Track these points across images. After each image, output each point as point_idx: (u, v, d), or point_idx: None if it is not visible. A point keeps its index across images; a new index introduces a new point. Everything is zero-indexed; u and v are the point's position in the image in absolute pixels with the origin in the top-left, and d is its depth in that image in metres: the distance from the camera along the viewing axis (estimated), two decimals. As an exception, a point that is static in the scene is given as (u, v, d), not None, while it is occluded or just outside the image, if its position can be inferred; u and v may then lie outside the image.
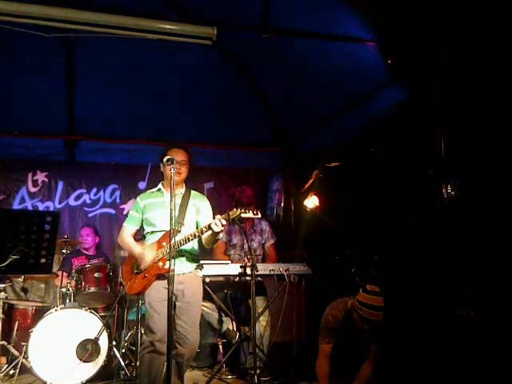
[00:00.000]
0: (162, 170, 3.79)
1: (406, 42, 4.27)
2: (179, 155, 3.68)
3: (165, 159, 3.41)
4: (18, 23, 3.91)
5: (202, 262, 4.45)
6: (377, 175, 4.88)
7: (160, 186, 3.86)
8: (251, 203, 5.06)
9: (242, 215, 3.45)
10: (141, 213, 3.81)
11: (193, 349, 3.61)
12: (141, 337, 4.75)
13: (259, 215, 3.53)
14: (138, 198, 3.91)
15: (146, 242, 3.80)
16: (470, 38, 3.79)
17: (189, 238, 3.53)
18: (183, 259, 3.63)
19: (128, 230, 3.87)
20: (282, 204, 6.90)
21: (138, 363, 4.25)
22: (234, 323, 4.87)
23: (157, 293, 3.56)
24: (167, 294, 3.38)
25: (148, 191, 3.95)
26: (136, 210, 3.84)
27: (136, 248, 3.77)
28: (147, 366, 3.50)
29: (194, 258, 3.75)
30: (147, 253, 3.67)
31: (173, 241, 3.20)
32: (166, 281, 3.42)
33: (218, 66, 6.21)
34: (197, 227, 3.74)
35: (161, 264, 3.58)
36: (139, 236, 4.00)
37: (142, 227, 3.87)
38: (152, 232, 3.76)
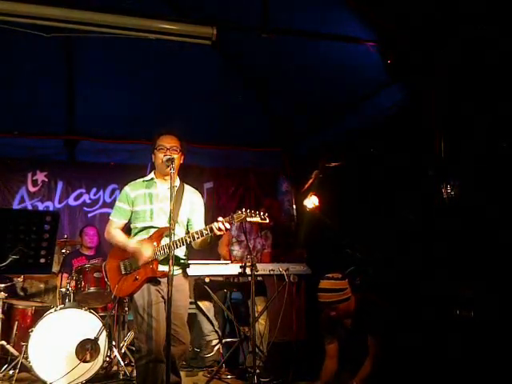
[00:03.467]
0: (153, 160, 3.52)
1: (405, 42, 4.27)
2: (169, 141, 3.44)
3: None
4: (18, 23, 3.91)
5: (202, 261, 4.47)
6: (377, 175, 4.88)
7: (152, 175, 3.54)
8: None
9: (248, 219, 3.24)
10: (131, 204, 3.47)
11: (185, 348, 3.47)
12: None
13: (267, 220, 3.32)
14: (126, 188, 3.52)
15: (133, 239, 3.49)
16: (470, 38, 3.79)
17: (186, 240, 3.29)
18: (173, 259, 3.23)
19: (116, 224, 3.53)
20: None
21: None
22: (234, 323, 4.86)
23: (149, 296, 3.32)
24: (159, 297, 3.34)
25: (139, 180, 3.57)
26: (125, 201, 3.49)
27: (130, 243, 3.44)
28: (149, 377, 3.24)
29: (183, 258, 3.51)
30: (144, 248, 3.35)
31: (168, 241, 3.09)
32: (157, 283, 3.36)
33: (217, 65, 6.21)
34: (187, 225, 3.55)
35: (153, 266, 3.33)
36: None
37: (129, 220, 3.56)
38: (144, 228, 3.45)
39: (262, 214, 3.29)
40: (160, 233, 3.37)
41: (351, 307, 3.88)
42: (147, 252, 3.34)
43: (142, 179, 3.58)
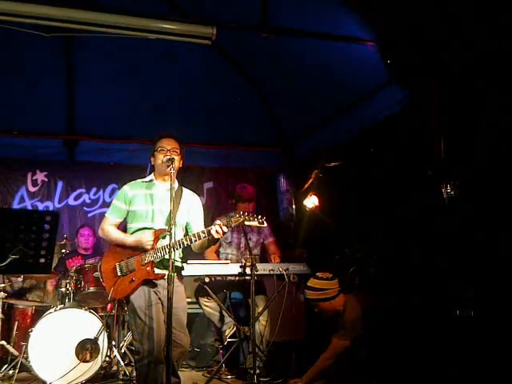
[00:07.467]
0: (152, 162, 3.52)
1: (405, 42, 4.27)
2: (169, 143, 3.46)
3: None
4: (18, 23, 3.91)
5: (202, 261, 4.46)
6: (377, 175, 4.87)
7: (152, 176, 3.53)
8: (252, 200, 5.04)
9: (246, 223, 3.22)
10: (128, 204, 3.43)
11: (184, 350, 3.44)
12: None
13: (265, 224, 3.29)
14: (125, 187, 3.49)
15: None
16: (471, 39, 3.79)
17: (183, 243, 3.26)
18: (168, 262, 3.12)
19: (110, 221, 3.48)
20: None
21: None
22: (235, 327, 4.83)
23: (146, 297, 3.28)
24: (157, 298, 3.31)
25: (139, 180, 3.55)
26: (123, 200, 3.45)
27: (128, 236, 3.39)
28: (150, 377, 3.21)
29: (178, 261, 3.46)
30: (145, 234, 3.31)
31: (164, 243, 3.11)
32: (153, 285, 3.33)
33: (217, 65, 6.22)
34: (186, 228, 3.55)
35: (149, 269, 3.28)
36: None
37: (124, 220, 3.50)
38: (139, 229, 3.39)
39: (259, 217, 3.27)
40: (156, 235, 3.33)
41: (336, 307, 3.98)
42: (148, 236, 3.30)
43: (141, 180, 3.56)
